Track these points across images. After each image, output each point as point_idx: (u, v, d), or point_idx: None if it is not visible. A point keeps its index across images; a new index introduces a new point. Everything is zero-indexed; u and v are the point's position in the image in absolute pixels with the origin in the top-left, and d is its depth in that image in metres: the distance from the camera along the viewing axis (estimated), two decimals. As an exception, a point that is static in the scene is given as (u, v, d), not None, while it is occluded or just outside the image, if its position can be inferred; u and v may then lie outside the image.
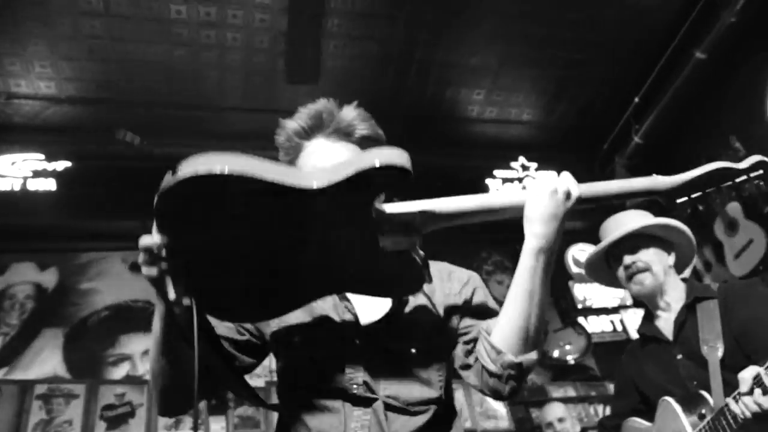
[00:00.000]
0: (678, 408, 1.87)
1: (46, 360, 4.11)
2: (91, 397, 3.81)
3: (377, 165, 0.91)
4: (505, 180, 5.08)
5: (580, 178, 4.95)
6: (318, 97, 5.49)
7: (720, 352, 1.89)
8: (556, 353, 4.63)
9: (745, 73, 4.40)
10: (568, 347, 4.64)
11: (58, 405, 3.82)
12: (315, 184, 0.92)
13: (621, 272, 2.14)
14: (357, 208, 1.01)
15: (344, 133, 1.31)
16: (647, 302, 2.16)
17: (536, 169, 5.13)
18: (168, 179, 0.87)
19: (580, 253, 5.20)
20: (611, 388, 4.45)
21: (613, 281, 2.25)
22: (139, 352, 4.27)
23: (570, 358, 4.62)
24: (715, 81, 4.58)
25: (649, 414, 2.04)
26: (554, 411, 3.81)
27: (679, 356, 2.00)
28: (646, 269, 2.08)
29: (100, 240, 4.42)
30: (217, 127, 4.56)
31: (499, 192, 1.27)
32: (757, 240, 4.40)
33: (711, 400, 1.81)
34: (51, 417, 3.74)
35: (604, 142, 5.08)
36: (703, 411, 1.81)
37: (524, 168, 5.15)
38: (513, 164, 5.16)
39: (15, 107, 4.34)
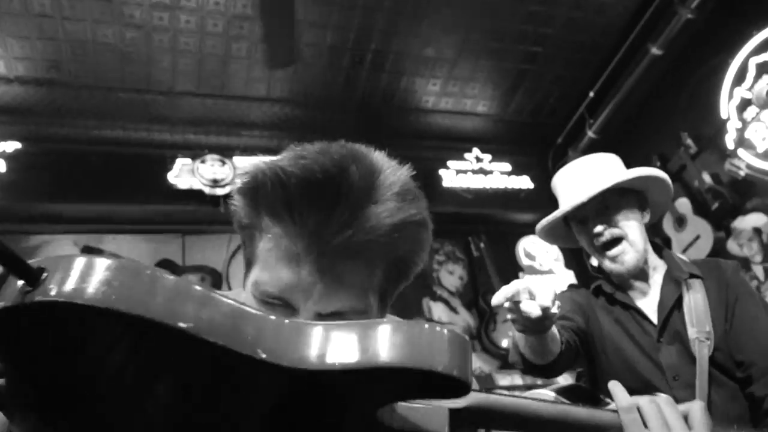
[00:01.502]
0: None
1: (-5, 342, 4.12)
2: None
3: (425, 369, 0.52)
4: (459, 171, 5.13)
5: (534, 172, 5.06)
6: (271, 85, 5.50)
7: (710, 348, 1.67)
8: (504, 343, 4.76)
9: (702, 71, 4.50)
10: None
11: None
12: (288, 361, 0.52)
13: (588, 241, 1.81)
14: (354, 408, 0.61)
15: (364, 242, 0.73)
16: (621, 280, 1.84)
17: (490, 161, 5.18)
18: (16, 294, 0.49)
19: (531, 245, 5.30)
20: (559, 378, 4.60)
21: (569, 240, 1.94)
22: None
23: (518, 348, 4.74)
24: (670, 78, 4.68)
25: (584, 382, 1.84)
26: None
27: (662, 341, 1.75)
28: (621, 238, 1.76)
29: (50, 223, 4.42)
30: (169, 112, 4.57)
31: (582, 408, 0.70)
32: (704, 236, 4.53)
33: None
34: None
35: (559, 136, 5.15)
36: None
37: (478, 160, 5.21)
38: (467, 156, 5.21)
39: (-38, 87, 4.28)
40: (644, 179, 1.79)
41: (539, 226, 1.94)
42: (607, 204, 1.77)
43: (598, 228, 1.75)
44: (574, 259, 5.28)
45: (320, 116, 4.79)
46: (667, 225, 4.69)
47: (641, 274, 1.82)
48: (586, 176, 1.82)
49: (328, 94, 4.62)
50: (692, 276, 1.78)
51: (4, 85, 4.37)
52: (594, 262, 1.94)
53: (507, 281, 5.21)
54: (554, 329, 1.53)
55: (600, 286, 1.89)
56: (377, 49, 4.53)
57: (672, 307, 1.76)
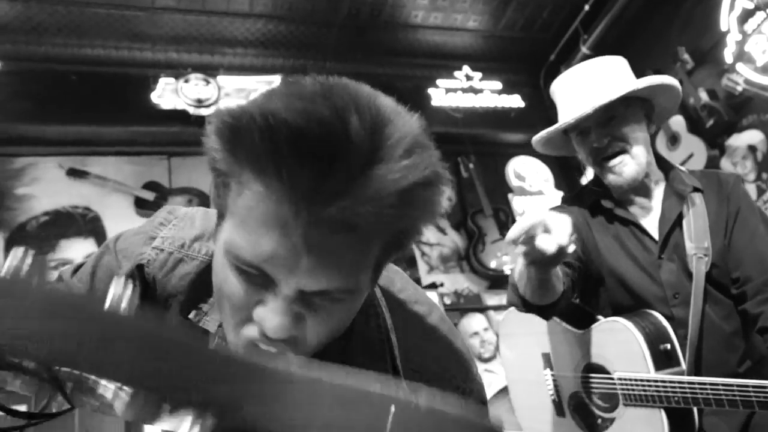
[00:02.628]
0: (643, 343, 1.63)
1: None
2: None
3: None
4: (448, 90, 5.03)
5: (526, 90, 4.98)
6: (256, 2, 5.37)
7: (707, 264, 1.66)
8: (493, 264, 4.81)
9: (700, -17, 4.32)
10: (505, 258, 4.80)
11: (2, 306, 3.92)
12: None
13: (588, 153, 1.75)
14: None
15: (364, 213, 0.62)
16: (620, 193, 1.79)
17: (480, 79, 5.08)
18: None
19: (520, 166, 5.28)
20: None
21: (565, 148, 1.89)
22: (80, 257, 4.36)
23: (506, 268, 4.78)
24: (666, -11, 4.50)
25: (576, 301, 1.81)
26: (478, 321, 3.98)
27: (663, 257, 1.72)
28: (624, 151, 1.70)
29: (33, 145, 4.40)
30: (150, 29, 4.46)
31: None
32: (697, 154, 4.50)
33: (675, 341, 1.63)
34: (-4, 318, 3.85)
35: (551, 52, 5.03)
36: (668, 347, 1.61)
37: (468, 78, 5.11)
38: (456, 74, 5.11)
39: (-65, 4, 4.17)
40: (654, 88, 1.70)
41: (536, 138, 1.87)
42: (613, 114, 1.69)
43: (603, 141, 1.69)
44: (565, 180, 5.27)
45: (305, 32, 4.68)
46: (660, 143, 4.65)
47: (642, 187, 1.76)
48: (590, 83, 1.72)
49: (312, 9, 4.50)
50: (694, 190, 1.74)
51: (-21, 3, 4.25)
52: (590, 175, 1.88)
53: (496, 202, 5.25)
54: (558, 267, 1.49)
55: (598, 202, 1.83)
56: (364, -40, 4.37)
57: (674, 222, 1.72)
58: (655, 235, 1.74)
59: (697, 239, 1.67)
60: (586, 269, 1.77)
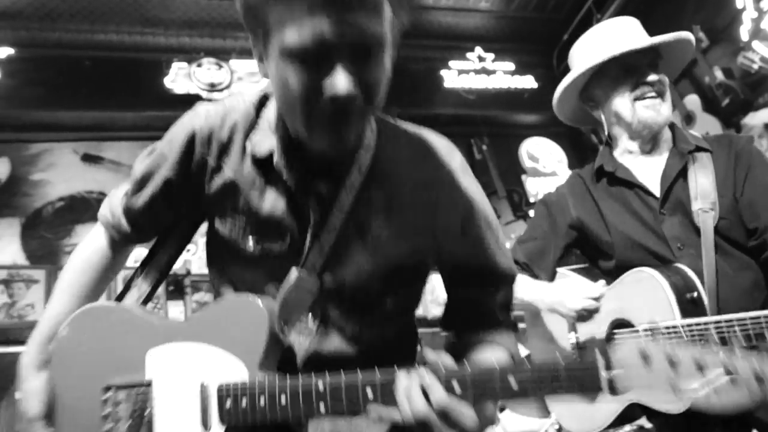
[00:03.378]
0: (667, 287, 1.63)
1: (4, 248, 4.30)
2: (51, 281, 4.01)
3: None
4: (460, 71, 5.02)
5: (539, 71, 4.98)
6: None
7: (714, 218, 1.67)
8: (507, 245, 4.77)
9: (714, -41, 4.29)
10: (519, 239, 4.79)
11: (19, 289, 4.02)
12: None
13: (630, 87, 1.76)
14: None
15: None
16: (635, 136, 1.83)
17: (493, 60, 5.07)
18: None
19: (534, 147, 5.27)
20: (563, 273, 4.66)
21: (573, 110, 1.96)
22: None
23: (521, 252, 4.78)
24: (681, -33, 4.46)
25: (589, 270, 1.88)
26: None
27: (664, 212, 1.74)
28: (663, 94, 1.75)
29: (48, 130, 4.46)
30: (162, 13, 4.49)
31: None
32: (713, 132, 4.46)
33: (702, 290, 1.62)
34: (13, 300, 3.92)
35: (565, 32, 5.00)
36: (695, 295, 1.59)
37: (480, 59, 5.11)
38: (469, 55, 5.10)
39: (-50, -7, 4.22)
40: (684, 44, 1.83)
41: (562, 84, 1.90)
42: (656, 62, 1.78)
43: (652, 77, 1.74)
44: (578, 160, 5.26)
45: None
46: (675, 121, 4.59)
47: (654, 142, 1.82)
48: (631, 30, 1.83)
49: (323, -8, 4.46)
50: (700, 150, 1.77)
51: (-5, -10, 4.29)
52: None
53: (509, 184, 5.22)
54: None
55: (602, 167, 1.87)
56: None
57: (675, 178, 1.75)
58: (657, 192, 1.77)
59: (702, 195, 1.69)
60: (584, 236, 1.88)
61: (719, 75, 4.37)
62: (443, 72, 5.13)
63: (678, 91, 4.54)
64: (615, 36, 1.81)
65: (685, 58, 1.87)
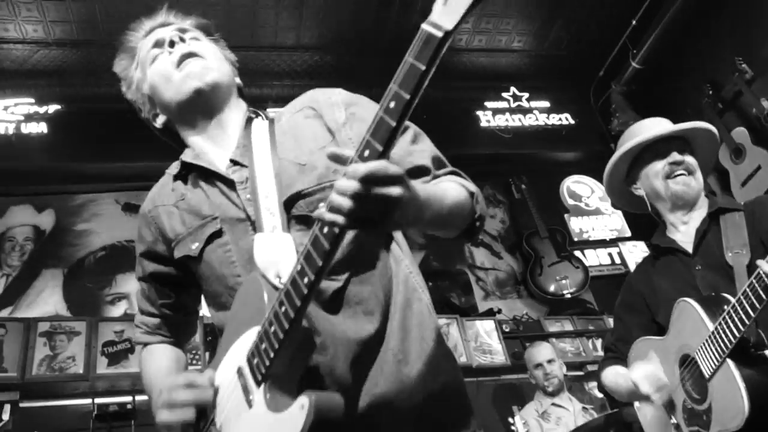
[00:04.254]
0: (697, 306, 1.80)
1: (47, 299, 4.36)
2: (91, 333, 4.05)
3: None
4: (495, 111, 5.03)
5: (575, 108, 4.94)
6: (300, 33, 5.53)
7: (747, 258, 1.84)
8: (552, 287, 4.67)
9: (751, -12, 4.26)
10: (564, 281, 4.67)
11: (60, 341, 4.04)
12: None
13: (661, 167, 2.05)
14: None
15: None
16: (678, 207, 2.07)
17: (528, 99, 5.06)
18: None
19: (575, 185, 5.22)
20: (610, 322, 4.46)
21: (621, 194, 2.23)
22: (135, 291, 4.46)
23: (566, 293, 4.61)
24: (718, -1, 4.44)
25: (660, 333, 2.00)
26: (544, 352, 3.80)
27: (698, 267, 1.95)
28: (692, 172, 2.04)
29: (92, 182, 4.60)
30: (202, 66, 4.60)
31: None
32: (765, 166, 4.31)
33: (733, 300, 1.72)
34: (55, 353, 3.95)
35: (600, 69, 5.00)
36: (725, 307, 1.70)
37: (516, 98, 5.11)
38: (504, 95, 5.11)
39: (5, 53, 4.55)
40: (707, 130, 2.10)
41: (615, 156, 2.16)
42: (685, 147, 2.07)
43: (677, 157, 2.03)
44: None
45: (351, 60, 4.82)
46: (724, 157, 4.47)
47: (691, 210, 2.05)
48: (662, 125, 2.13)
49: (357, 38, 4.62)
50: (732, 210, 1.99)
51: (43, 49, 4.57)
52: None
53: (552, 223, 5.10)
54: None
55: (651, 243, 2.17)
56: (406, -11, 4.49)
57: (705, 233, 1.98)
58: (691, 249, 2.01)
59: (734, 244, 1.90)
60: (654, 316, 2.08)
61: (766, 105, 4.26)
62: (478, 112, 5.15)
63: (724, 125, 4.43)
64: (646, 129, 2.13)
65: (712, 144, 2.15)
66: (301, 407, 0.90)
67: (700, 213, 2.04)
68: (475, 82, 5.15)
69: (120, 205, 4.69)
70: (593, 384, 4.33)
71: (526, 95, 5.24)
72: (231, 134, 1.33)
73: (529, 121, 5.19)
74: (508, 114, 5.16)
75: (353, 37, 4.69)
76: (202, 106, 1.32)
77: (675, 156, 2.03)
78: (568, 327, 4.63)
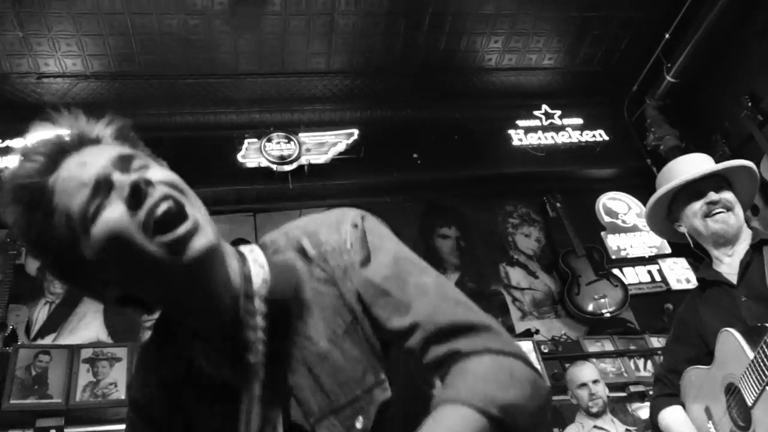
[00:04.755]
0: (738, 336, 1.86)
1: (88, 325, 4.45)
2: (133, 359, 4.07)
3: None
4: (528, 130, 5.01)
5: (609, 124, 4.94)
6: (330, 58, 5.58)
7: None
8: (590, 307, 4.59)
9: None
10: (603, 300, 4.58)
11: (103, 368, 4.11)
12: None
13: (699, 207, 2.11)
14: None
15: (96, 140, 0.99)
16: (720, 244, 2.14)
17: (560, 117, 5.03)
18: None
19: (611, 202, 5.16)
20: (652, 341, 4.39)
21: (665, 230, 2.29)
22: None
23: (605, 312, 4.53)
24: (752, 7, 4.34)
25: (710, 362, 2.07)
26: (588, 371, 3.72)
27: (743, 298, 2.00)
28: (731, 209, 2.09)
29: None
30: (234, 93, 4.78)
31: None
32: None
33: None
34: (98, 379, 4.02)
35: (633, 84, 4.95)
36: (765, 337, 1.76)
37: (548, 116, 5.08)
38: (536, 113, 5.10)
39: (45, 86, 4.71)
40: (746, 168, 2.14)
41: (653, 200, 2.22)
42: (721, 184, 2.12)
43: (714, 197, 2.08)
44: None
45: (381, 84, 4.88)
46: (766, 171, 4.33)
47: (733, 245, 2.11)
48: (697, 163, 2.20)
49: (387, 61, 4.69)
50: None
51: (82, 82, 4.74)
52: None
53: (588, 241, 5.01)
54: None
55: (698, 277, 2.24)
56: (434, 11, 4.53)
57: (748, 264, 2.04)
58: (734, 280, 2.06)
59: None
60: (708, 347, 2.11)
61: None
62: (510, 131, 5.14)
63: (766, 136, 4.32)
64: (683, 169, 2.19)
65: (751, 178, 2.17)
66: None
67: (743, 245, 2.09)
68: (506, 101, 5.17)
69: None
70: (636, 405, 4.24)
71: (558, 113, 5.21)
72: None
73: (562, 138, 5.15)
74: (540, 132, 5.14)
75: (383, 62, 4.76)
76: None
77: (712, 196, 2.08)
78: (609, 347, 4.51)
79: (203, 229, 0.89)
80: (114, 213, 0.86)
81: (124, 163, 0.91)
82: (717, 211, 2.07)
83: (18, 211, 0.90)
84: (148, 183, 0.88)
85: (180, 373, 1.00)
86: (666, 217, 2.25)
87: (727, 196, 2.09)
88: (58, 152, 0.92)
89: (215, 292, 0.94)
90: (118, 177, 0.88)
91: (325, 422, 0.92)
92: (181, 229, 0.86)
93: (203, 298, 0.94)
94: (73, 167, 0.89)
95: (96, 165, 0.89)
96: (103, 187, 0.88)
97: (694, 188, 2.12)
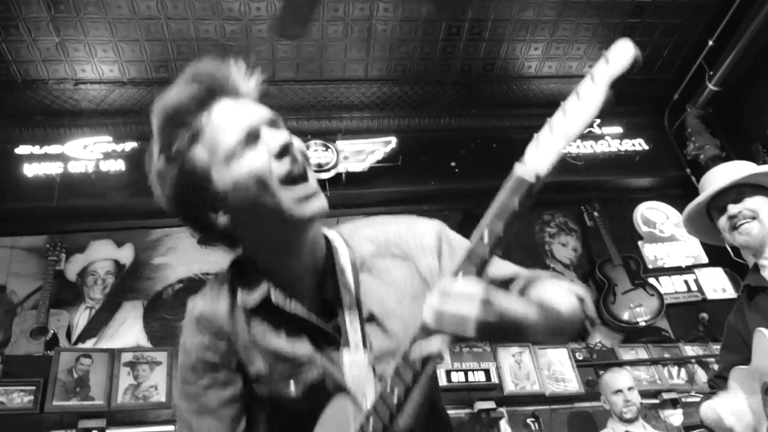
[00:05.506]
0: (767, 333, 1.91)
1: (128, 330, 4.53)
2: (173, 363, 4.13)
3: None
4: (567, 138, 4.97)
5: (649, 133, 4.89)
6: (368, 65, 5.57)
7: None
8: (626, 316, 4.62)
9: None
10: (638, 309, 4.62)
11: (143, 371, 4.18)
12: None
13: (724, 222, 2.16)
14: None
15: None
16: (753, 253, 2.18)
17: (599, 125, 5.00)
18: None
19: (649, 211, 5.15)
20: (687, 350, 4.42)
21: (713, 236, 2.29)
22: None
23: (641, 320, 4.56)
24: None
25: None
26: (623, 378, 3.78)
27: None
28: (753, 217, 2.10)
29: (168, 216, 4.69)
30: (271, 101, 4.67)
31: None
32: None
33: None
34: (138, 382, 4.08)
35: (674, 92, 4.90)
36: None
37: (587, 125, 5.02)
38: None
39: (82, 93, 4.73)
40: (758, 177, 2.14)
41: (684, 214, 2.29)
42: (743, 194, 2.13)
43: (732, 210, 2.11)
44: (698, 223, 5.03)
45: (419, 92, 4.86)
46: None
47: (762, 247, 2.11)
48: (727, 172, 2.21)
49: (426, 69, 4.65)
50: None
51: (119, 88, 4.74)
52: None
53: (625, 250, 5.02)
54: None
55: (744, 284, 2.21)
56: (474, 18, 4.49)
57: None
58: None
59: None
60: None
61: None
62: (549, 140, 5.06)
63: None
64: (713, 179, 2.22)
65: None
66: None
67: None
68: (546, 109, 5.00)
69: (195, 239, 4.82)
70: (669, 412, 4.30)
71: (598, 121, 5.00)
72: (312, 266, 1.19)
73: (601, 147, 5.15)
74: (579, 141, 5.07)
75: (421, 69, 4.75)
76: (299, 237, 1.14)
77: (730, 209, 2.11)
78: (643, 355, 4.57)
79: (320, 194, 1.10)
80: (261, 159, 1.05)
81: (272, 124, 1.12)
82: (740, 222, 2.09)
83: (169, 125, 1.11)
84: (291, 145, 1.09)
85: (253, 302, 1.15)
86: (710, 221, 2.28)
87: (750, 204, 2.09)
88: (218, 90, 1.12)
89: (307, 246, 1.15)
90: (266, 132, 1.09)
91: (383, 360, 1.13)
92: (311, 188, 1.08)
93: (296, 249, 1.14)
94: (232, 110, 1.11)
95: (252, 116, 1.11)
96: (252, 136, 1.07)
97: (717, 203, 2.17)
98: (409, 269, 1.21)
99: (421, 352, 0.94)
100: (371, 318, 1.17)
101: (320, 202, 1.08)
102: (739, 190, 2.12)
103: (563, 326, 1.08)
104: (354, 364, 1.13)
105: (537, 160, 0.92)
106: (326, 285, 1.17)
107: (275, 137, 1.07)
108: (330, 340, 1.15)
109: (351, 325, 1.15)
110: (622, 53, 0.87)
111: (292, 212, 1.05)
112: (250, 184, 1.04)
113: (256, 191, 1.04)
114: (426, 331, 0.94)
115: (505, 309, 0.94)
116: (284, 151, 1.06)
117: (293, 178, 1.06)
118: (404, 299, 1.18)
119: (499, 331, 0.95)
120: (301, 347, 1.15)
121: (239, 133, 1.06)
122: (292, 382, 1.15)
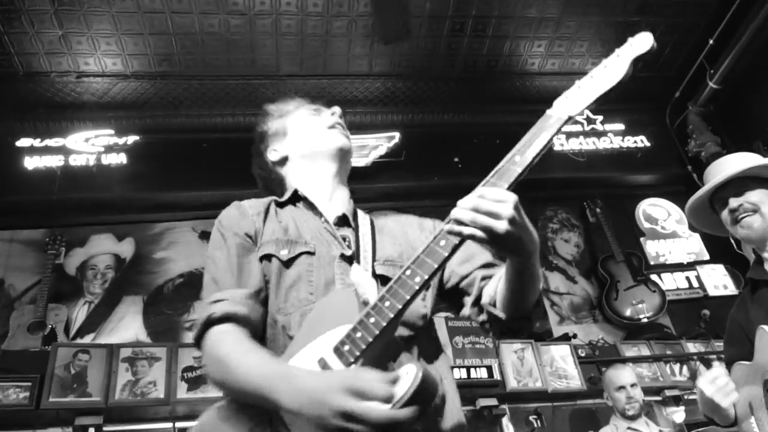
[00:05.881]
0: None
1: (127, 325, 4.49)
2: (171, 359, 4.09)
3: None
4: (569, 135, 5.01)
5: (651, 130, 4.92)
6: (372, 61, 5.56)
7: None
8: (628, 312, 4.63)
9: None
10: (640, 306, 4.63)
11: (142, 367, 4.15)
12: None
13: (726, 216, 2.15)
14: None
15: None
16: (756, 246, 2.16)
17: (602, 122, 5.03)
18: None
19: (651, 208, 5.18)
20: (688, 346, 4.42)
21: (717, 227, 2.28)
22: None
23: (643, 317, 4.57)
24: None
25: None
26: (627, 375, 3.78)
27: None
28: (754, 210, 2.09)
29: (170, 210, 4.71)
30: (275, 95, 4.70)
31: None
32: None
33: None
34: (137, 378, 4.04)
35: (676, 90, 4.95)
36: None
37: (590, 121, 5.08)
38: (578, 118, 5.06)
39: (85, 86, 4.71)
40: (756, 170, 2.12)
41: (687, 207, 2.29)
42: (744, 187, 2.12)
43: (733, 203, 2.10)
44: (699, 220, 5.06)
45: (423, 87, 4.87)
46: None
47: (764, 240, 2.09)
48: (725, 168, 2.21)
49: (429, 65, 4.69)
50: None
51: (122, 82, 4.73)
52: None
53: (627, 247, 5.02)
54: None
55: (747, 278, 2.21)
56: (478, 14, 4.52)
57: None
58: None
59: None
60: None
61: None
62: (551, 136, 5.10)
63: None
64: (715, 172, 2.21)
65: None
66: (406, 372, 0.99)
67: None
68: (549, 106, 5.09)
69: (197, 233, 4.81)
70: (671, 409, 4.30)
71: (600, 118, 5.22)
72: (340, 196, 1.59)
73: (603, 144, 5.18)
74: (582, 137, 5.16)
75: (425, 65, 4.76)
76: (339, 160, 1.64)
77: (731, 203, 2.11)
78: (645, 352, 4.57)
79: (347, 139, 1.75)
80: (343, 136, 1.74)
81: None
82: (741, 216, 2.08)
83: (273, 117, 1.84)
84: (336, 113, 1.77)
85: (284, 198, 1.57)
86: (713, 213, 2.27)
87: (751, 197, 2.08)
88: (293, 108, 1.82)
89: (337, 177, 1.62)
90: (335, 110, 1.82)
91: (384, 264, 1.40)
92: (343, 133, 1.77)
93: (329, 173, 1.60)
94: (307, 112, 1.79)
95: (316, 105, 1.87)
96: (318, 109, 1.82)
97: (719, 195, 2.17)
98: (418, 227, 1.57)
99: (452, 230, 1.08)
100: (381, 232, 1.49)
101: (345, 140, 1.69)
102: (741, 183, 2.11)
103: (538, 277, 1.27)
104: (358, 270, 1.29)
105: (566, 107, 1.21)
106: (346, 215, 1.51)
107: (338, 111, 1.76)
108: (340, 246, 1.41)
109: (363, 239, 1.44)
110: (643, 40, 1.16)
111: (329, 138, 1.65)
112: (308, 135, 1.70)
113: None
114: (456, 223, 1.08)
115: (527, 220, 1.12)
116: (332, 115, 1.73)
117: (332, 126, 1.70)
118: (411, 241, 1.49)
119: (520, 239, 1.11)
120: (308, 234, 1.43)
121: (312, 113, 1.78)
122: (283, 246, 1.39)
